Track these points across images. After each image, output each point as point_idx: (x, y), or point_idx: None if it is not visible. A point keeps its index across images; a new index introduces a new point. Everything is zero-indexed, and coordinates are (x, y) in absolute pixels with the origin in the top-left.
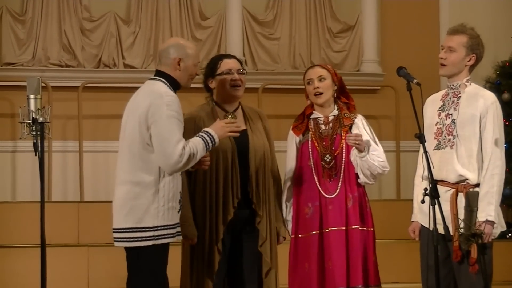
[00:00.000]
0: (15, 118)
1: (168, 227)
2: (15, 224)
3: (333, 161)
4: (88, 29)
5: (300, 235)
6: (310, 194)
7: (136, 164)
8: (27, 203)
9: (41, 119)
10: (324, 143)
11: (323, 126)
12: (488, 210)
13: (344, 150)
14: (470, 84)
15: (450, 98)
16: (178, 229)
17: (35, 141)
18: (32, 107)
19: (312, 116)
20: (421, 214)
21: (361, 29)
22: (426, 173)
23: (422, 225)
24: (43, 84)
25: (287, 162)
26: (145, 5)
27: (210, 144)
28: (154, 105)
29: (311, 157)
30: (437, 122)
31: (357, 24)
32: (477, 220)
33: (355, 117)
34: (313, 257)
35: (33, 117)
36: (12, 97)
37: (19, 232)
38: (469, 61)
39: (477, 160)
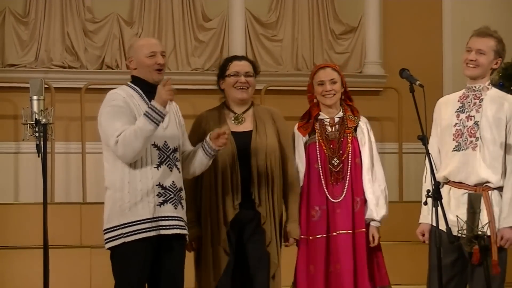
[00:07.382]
0: (18, 120)
1: (138, 222)
2: (18, 225)
3: (341, 164)
4: (91, 31)
5: (310, 237)
6: (318, 197)
7: (106, 168)
8: (30, 205)
9: (44, 121)
10: (331, 146)
11: (329, 128)
12: None
13: (350, 154)
14: (491, 88)
15: (471, 99)
16: (158, 223)
17: (37, 143)
18: (35, 109)
19: (318, 117)
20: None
21: (364, 31)
22: (440, 174)
23: (433, 226)
24: (46, 86)
25: (295, 162)
26: (148, 7)
27: (153, 114)
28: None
29: (319, 160)
30: (456, 124)
31: (359, 26)
32: (503, 228)
33: (359, 120)
34: (319, 260)
35: (36, 119)
36: (15, 98)
37: (22, 234)
38: (495, 64)
39: (501, 163)
